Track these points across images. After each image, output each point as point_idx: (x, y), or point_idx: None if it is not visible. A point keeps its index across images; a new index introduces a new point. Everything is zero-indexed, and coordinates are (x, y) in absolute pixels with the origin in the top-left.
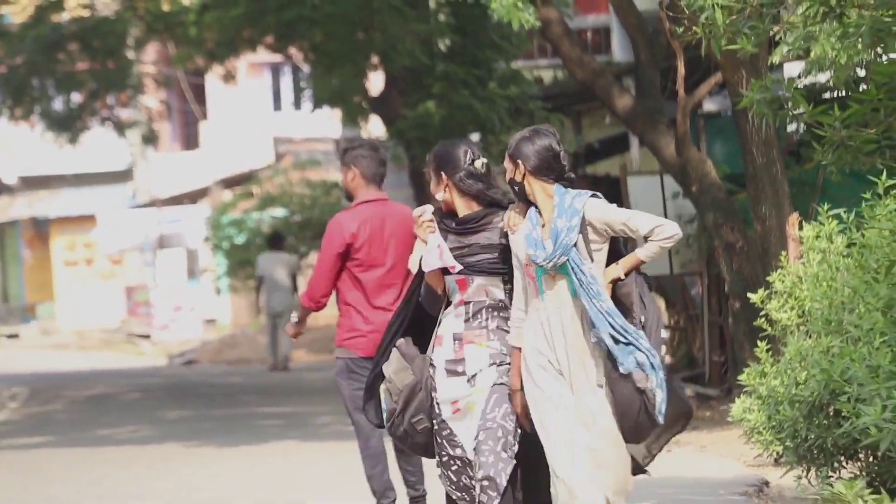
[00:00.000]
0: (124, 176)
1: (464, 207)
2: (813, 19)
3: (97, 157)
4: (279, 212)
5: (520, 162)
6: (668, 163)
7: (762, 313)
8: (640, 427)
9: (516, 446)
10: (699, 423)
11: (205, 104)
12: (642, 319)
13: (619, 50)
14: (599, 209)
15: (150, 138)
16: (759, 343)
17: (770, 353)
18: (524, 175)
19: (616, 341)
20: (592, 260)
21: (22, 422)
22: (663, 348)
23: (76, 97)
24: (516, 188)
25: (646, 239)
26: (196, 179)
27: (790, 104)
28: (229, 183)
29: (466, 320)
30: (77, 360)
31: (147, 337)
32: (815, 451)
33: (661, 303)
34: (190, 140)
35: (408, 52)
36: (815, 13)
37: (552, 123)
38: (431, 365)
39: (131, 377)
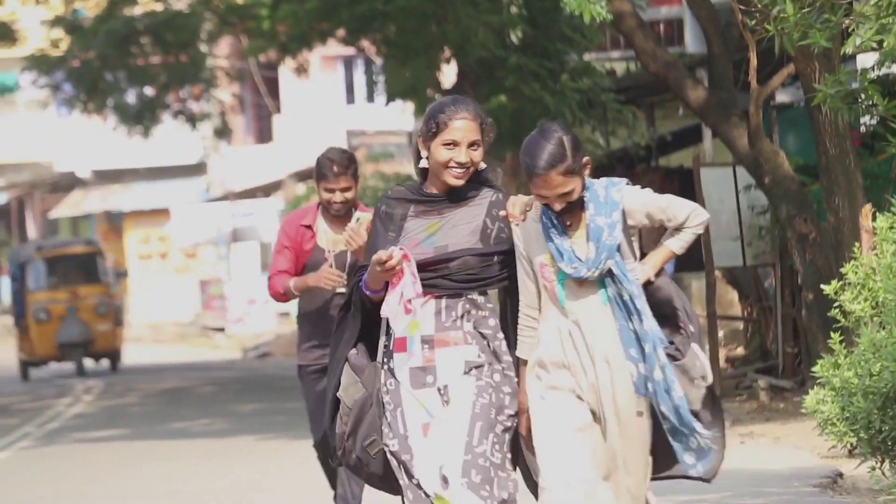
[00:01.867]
0: (197, 169)
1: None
2: (886, 11)
3: (170, 151)
4: None
5: (586, 159)
6: (741, 154)
7: (835, 305)
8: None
9: (514, 479)
10: (773, 415)
11: (278, 97)
12: (691, 330)
13: (692, 42)
14: (639, 197)
15: (223, 132)
16: (832, 334)
17: (843, 344)
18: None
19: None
20: (636, 259)
21: (97, 415)
22: (706, 362)
23: (149, 91)
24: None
25: (677, 229)
26: (269, 173)
27: (864, 97)
28: (302, 176)
29: (438, 317)
30: (151, 354)
31: (221, 330)
32: (890, 443)
33: (735, 295)
34: (263, 133)
35: (480, 44)
36: (887, 4)
37: (624, 117)
38: (391, 375)
39: (205, 370)
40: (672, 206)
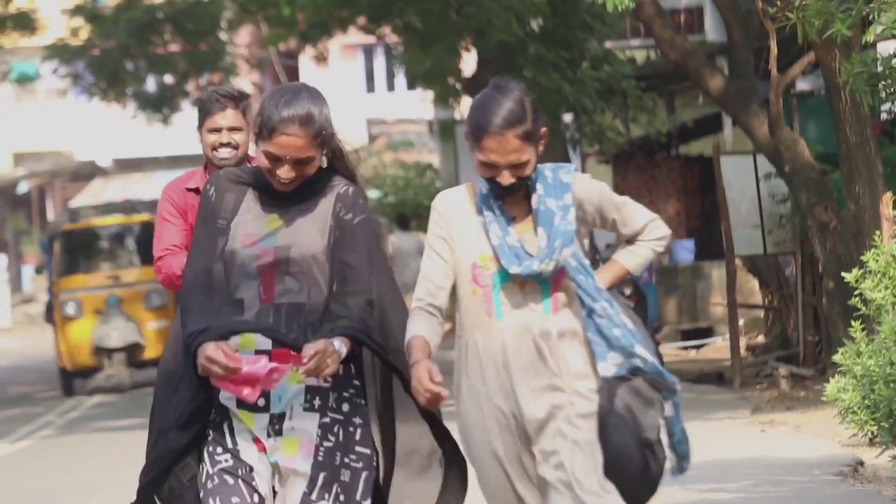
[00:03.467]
0: None
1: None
2: None
3: (190, 140)
4: (373, 193)
5: (544, 130)
6: (761, 143)
7: (856, 293)
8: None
9: None
10: (794, 404)
11: None
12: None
13: (712, 30)
14: (591, 185)
15: None
16: (853, 323)
17: (864, 332)
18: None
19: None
20: (586, 255)
21: (118, 405)
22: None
23: (169, 79)
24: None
25: (630, 241)
26: None
27: (887, 82)
28: None
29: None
30: None
31: None
32: None
33: (755, 283)
34: None
35: (500, 32)
36: None
37: (645, 103)
38: (216, 394)
39: None
40: (629, 209)
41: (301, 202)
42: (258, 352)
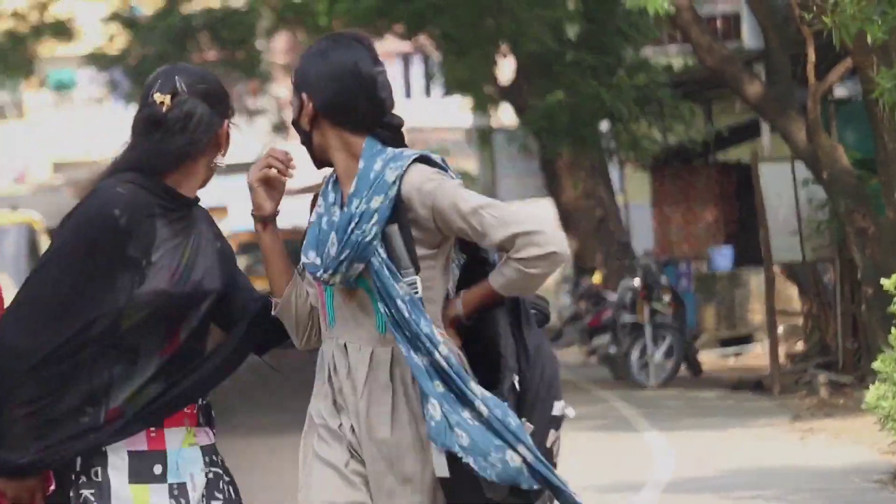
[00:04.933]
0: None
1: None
2: None
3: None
4: None
5: (304, 96)
6: (799, 149)
7: (895, 299)
8: None
9: None
10: (833, 411)
11: None
12: (516, 381)
13: (750, 36)
14: (426, 183)
15: (280, 128)
16: (892, 329)
17: None
18: (312, 116)
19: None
20: (417, 271)
21: None
22: (550, 433)
23: None
24: (301, 138)
25: (503, 251)
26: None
27: None
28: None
29: (161, 382)
30: None
31: None
32: None
33: (794, 290)
34: None
35: (536, 39)
36: None
37: (681, 111)
38: (99, 461)
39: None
40: (484, 217)
41: (197, 220)
42: (153, 410)
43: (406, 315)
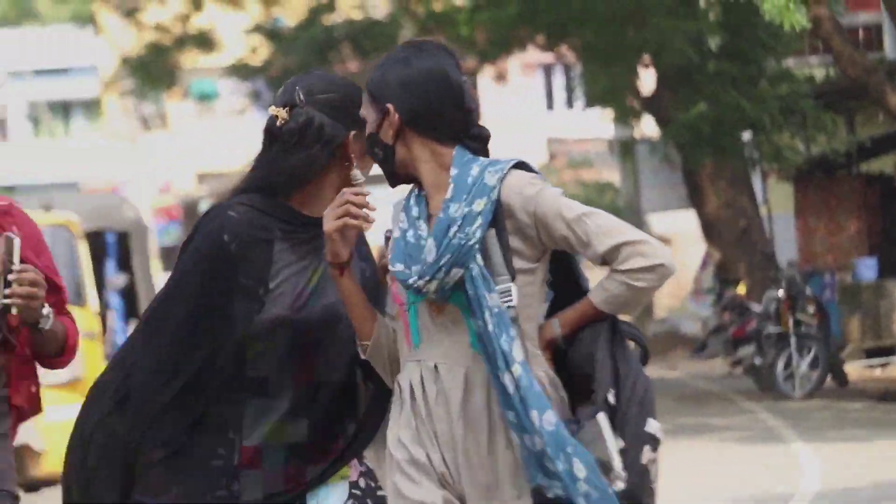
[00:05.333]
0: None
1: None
2: None
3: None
4: None
5: (389, 106)
6: None
7: None
8: None
9: None
10: None
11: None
12: (610, 399)
13: (891, 47)
14: (528, 187)
15: None
16: None
17: None
18: (397, 129)
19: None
20: (513, 279)
21: None
22: (645, 451)
23: None
24: (380, 153)
25: (606, 264)
26: None
27: None
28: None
29: (301, 419)
30: None
31: None
32: None
33: None
34: None
35: (678, 50)
36: None
37: (824, 121)
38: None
39: None
40: (588, 225)
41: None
42: (291, 447)
43: (490, 328)
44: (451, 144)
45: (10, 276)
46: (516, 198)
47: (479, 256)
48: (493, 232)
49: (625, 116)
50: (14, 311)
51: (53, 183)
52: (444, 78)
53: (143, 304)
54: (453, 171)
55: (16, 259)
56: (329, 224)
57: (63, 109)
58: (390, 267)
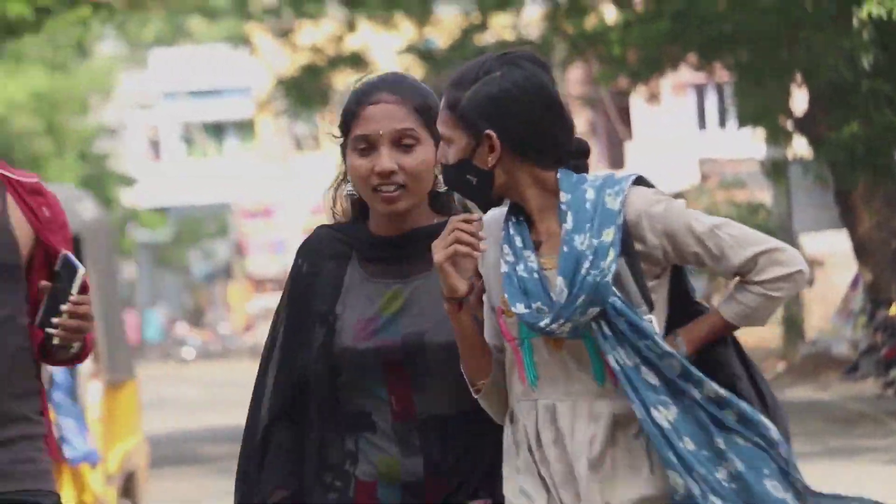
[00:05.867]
0: None
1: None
2: None
3: None
4: None
5: (490, 132)
6: None
7: None
8: None
9: None
10: None
11: (629, 124)
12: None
13: None
14: (654, 205)
15: None
16: None
17: None
18: (499, 156)
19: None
20: (651, 308)
21: None
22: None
23: None
24: (473, 179)
25: (739, 277)
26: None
27: None
28: None
29: (417, 458)
30: None
31: None
32: None
33: None
34: (615, 160)
35: (830, 69)
36: None
37: None
38: None
39: None
40: (721, 237)
41: (424, 266)
42: (406, 485)
43: (656, 354)
44: (554, 166)
45: (64, 307)
46: (644, 218)
47: (615, 290)
48: (622, 261)
49: (777, 136)
50: (55, 341)
51: (206, 203)
52: (546, 95)
53: (102, 319)
54: (565, 197)
55: (74, 287)
56: (439, 254)
57: (216, 130)
58: (511, 308)
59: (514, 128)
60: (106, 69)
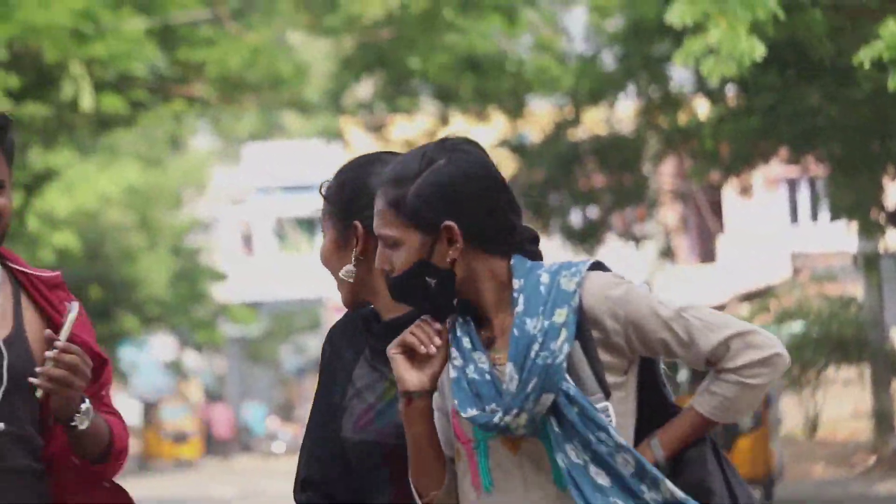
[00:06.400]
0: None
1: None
2: None
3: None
4: (796, 326)
5: (450, 224)
6: None
7: None
8: None
9: None
10: None
11: (721, 217)
12: None
13: None
14: (613, 289)
15: (667, 252)
16: None
17: None
18: (460, 249)
19: None
20: (608, 397)
21: None
22: None
23: (593, 212)
24: (433, 282)
25: (711, 365)
26: (713, 293)
27: None
28: (746, 297)
29: None
30: None
31: None
32: None
33: None
34: (706, 253)
35: None
36: None
37: None
38: None
39: None
40: (689, 321)
41: None
42: None
43: (614, 442)
44: (507, 255)
45: (48, 353)
46: (601, 302)
47: (566, 376)
48: (577, 345)
49: (869, 229)
50: (38, 393)
51: (297, 298)
52: (497, 178)
53: None
54: (517, 283)
55: (63, 333)
56: (391, 344)
57: (308, 225)
58: (462, 413)
59: (472, 215)
60: (199, 163)
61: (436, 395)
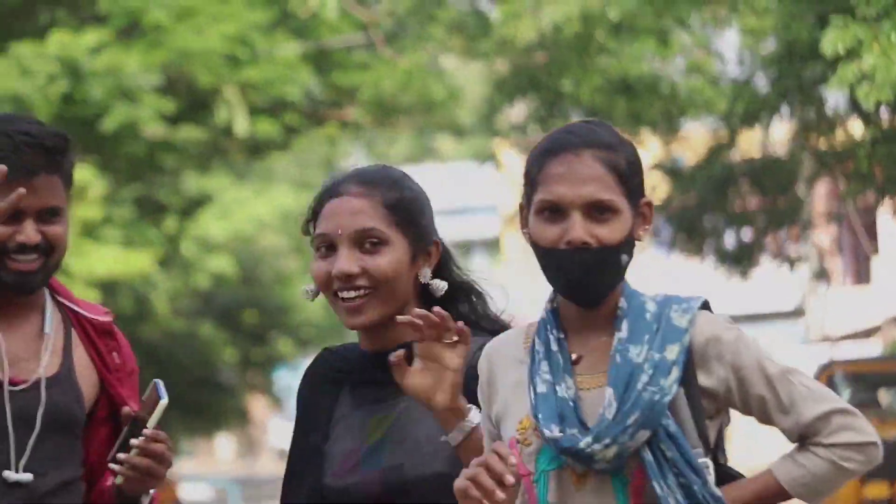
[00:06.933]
0: (795, 313)
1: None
2: None
3: (767, 295)
4: None
5: (651, 201)
6: None
7: None
8: None
9: None
10: None
11: (876, 239)
12: None
13: None
14: (726, 332)
15: (821, 274)
16: None
17: None
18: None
19: None
20: (707, 452)
21: None
22: None
23: (747, 234)
24: (627, 260)
25: (803, 439)
26: (867, 316)
27: None
28: None
29: None
30: None
31: None
32: None
33: None
34: (861, 275)
35: None
36: None
37: None
38: None
39: None
40: (793, 385)
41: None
42: None
43: (711, 493)
44: None
45: (134, 441)
46: (712, 345)
47: (669, 414)
48: (681, 391)
49: None
50: (118, 480)
51: None
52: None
53: None
54: (623, 303)
55: (152, 421)
56: (459, 480)
57: (463, 248)
58: (544, 430)
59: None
60: None
61: (485, 418)
